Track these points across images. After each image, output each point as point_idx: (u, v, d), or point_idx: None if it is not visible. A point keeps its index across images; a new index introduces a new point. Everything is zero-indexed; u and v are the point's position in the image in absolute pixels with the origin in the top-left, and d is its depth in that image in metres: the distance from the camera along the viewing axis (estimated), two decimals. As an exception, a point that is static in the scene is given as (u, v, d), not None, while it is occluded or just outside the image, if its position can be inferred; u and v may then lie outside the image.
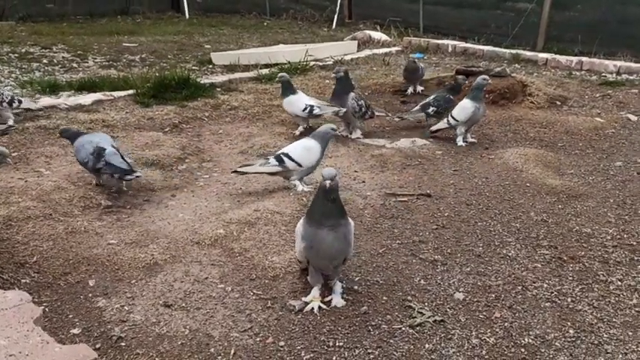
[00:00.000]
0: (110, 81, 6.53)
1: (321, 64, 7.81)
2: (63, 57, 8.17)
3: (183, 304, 2.72)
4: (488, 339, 2.49)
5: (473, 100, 4.74)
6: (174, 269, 3.00)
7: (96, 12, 11.93)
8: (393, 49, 8.78)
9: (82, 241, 3.23)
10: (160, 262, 3.06)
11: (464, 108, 4.79)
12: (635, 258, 3.09)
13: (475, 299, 2.77)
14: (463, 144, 4.88)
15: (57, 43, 9.03)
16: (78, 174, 4.10)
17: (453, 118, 4.87)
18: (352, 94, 5.05)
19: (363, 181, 4.18)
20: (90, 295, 2.79)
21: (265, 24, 11.97)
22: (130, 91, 6.08)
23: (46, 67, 7.52)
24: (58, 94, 6.09)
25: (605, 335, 2.49)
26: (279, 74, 5.37)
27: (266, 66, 7.56)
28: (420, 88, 6.34)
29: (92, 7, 12.01)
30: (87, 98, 5.80)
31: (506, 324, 2.58)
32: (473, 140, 4.95)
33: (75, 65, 7.72)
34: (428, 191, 4.00)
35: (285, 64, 7.53)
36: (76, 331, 2.53)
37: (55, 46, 8.85)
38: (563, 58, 7.78)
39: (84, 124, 5.17)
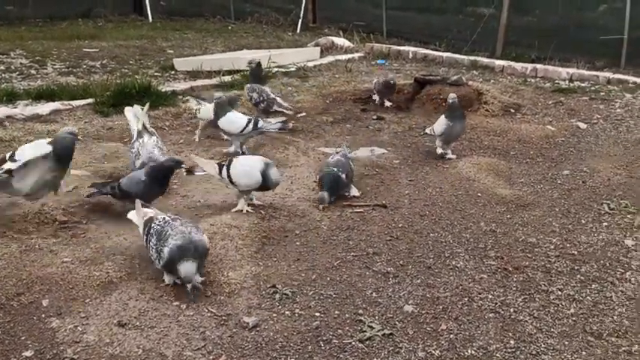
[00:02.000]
0: (69, 89, 6.46)
1: (284, 70, 7.86)
2: (21, 63, 8.05)
3: (138, 323, 2.75)
4: (433, 351, 2.59)
5: (447, 117, 4.82)
6: (129, 287, 3.03)
7: (56, 15, 11.72)
8: (356, 55, 8.88)
9: (36, 260, 3.23)
10: (115, 280, 3.08)
11: (439, 123, 4.89)
12: (576, 267, 3.24)
13: (424, 311, 2.87)
14: (442, 152, 4.94)
15: (15, 49, 8.87)
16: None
17: (432, 129, 4.98)
18: (249, 86, 5.58)
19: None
20: (43, 315, 2.80)
21: (230, 28, 11.96)
22: (90, 100, 6.04)
23: (2, 74, 7.40)
24: (15, 103, 6.01)
25: (543, 345, 2.63)
26: (216, 95, 5.31)
27: (229, 72, 7.56)
28: (388, 103, 6.32)
29: (53, 10, 11.79)
30: (45, 108, 5.75)
31: (451, 336, 2.69)
32: (452, 157, 4.92)
33: (33, 72, 7.61)
34: (384, 202, 4.10)
35: (248, 70, 7.55)
36: (28, 353, 2.54)
37: (13, 52, 8.69)
38: (518, 65, 7.99)
39: (41, 135, 5.12)
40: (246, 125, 4.74)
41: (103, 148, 4.93)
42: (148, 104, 4.67)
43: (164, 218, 3.08)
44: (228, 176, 3.84)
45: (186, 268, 2.88)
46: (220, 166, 3.90)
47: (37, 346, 2.57)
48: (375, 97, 6.40)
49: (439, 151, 4.96)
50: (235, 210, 3.83)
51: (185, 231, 2.99)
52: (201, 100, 5.35)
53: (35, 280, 3.04)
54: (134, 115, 4.40)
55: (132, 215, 3.33)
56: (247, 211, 3.81)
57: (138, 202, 3.32)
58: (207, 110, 5.06)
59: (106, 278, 3.10)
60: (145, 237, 3.09)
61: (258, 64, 5.86)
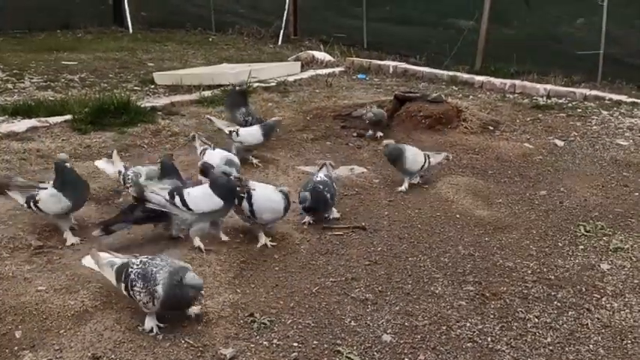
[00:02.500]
0: (47, 105, 6.39)
1: (265, 85, 7.86)
2: (-3, 77, 7.95)
3: (113, 356, 2.71)
4: (411, 383, 2.59)
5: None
6: (104, 317, 2.99)
7: (35, 26, 11.58)
8: (337, 70, 8.90)
9: (10, 288, 3.17)
10: (90, 310, 3.04)
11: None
12: (552, 293, 3.27)
13: (402, 341, 2.87)
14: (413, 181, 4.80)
15: (-9, 61, 8.76)
16: (9, 211, 4.02)
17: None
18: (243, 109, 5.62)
19: (301, 213, 4.24)
20: (16, 348, 2.75)
21: (210, 40, 11.93)
22: (67, 117, 5.97)
23: (-22, 89, 7.30)
24: (-9, 120, 5.93)
25: (519, 376, 2.64)
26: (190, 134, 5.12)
27: (209, 87, 7.54)
28: (380, 134, 5.96)
29: (31, 21, 11.65)
30: (21, 125, 5.68)
31: (429, 366, 2.70)
32: (417, 181, 4.82)
33: (10, 86, 7.51)
34: (363, 224, 4.10)
35: (229, 85, 7.54)
36: (-1, 389, 2.49)
37: (-10, 65, 8.58)
38: (497, 81, 8.07)
39: (17, 154, 5.06)
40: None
41: (80, 167, 4.86)
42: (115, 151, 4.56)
43: (142, 261, 2.97)
44: (251, 211, 3.71)
45: (192, 276, 2.85)
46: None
47: (9, 383, 2.52)
48: (370, 131, 5.97)
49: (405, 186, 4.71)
50: (259, 246, 3.72)
51: (169, 261, 2.95)
52: (206, 143, 4.88)
53: (8, 310, 2.99)
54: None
55: (88, 262, 3.12)
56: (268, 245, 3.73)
57: (93, 250, 3.17)
58: (212, 156, 4.56)
59: (81, 307, 3.05)
60: (123, 285, 2.92)
61: (245, 89, 5.89)
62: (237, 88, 5.85)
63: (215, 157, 4.50)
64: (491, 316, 3.06)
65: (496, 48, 10.01)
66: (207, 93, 7.22)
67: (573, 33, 9.58)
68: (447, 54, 9.93)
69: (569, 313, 3.10)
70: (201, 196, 3.62)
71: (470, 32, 10.07)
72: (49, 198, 3.69)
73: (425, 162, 4.71)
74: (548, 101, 7.35)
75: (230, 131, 5.21)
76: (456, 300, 3.20)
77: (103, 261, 3.06)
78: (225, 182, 3.62)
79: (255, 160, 5.20)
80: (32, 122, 5.77)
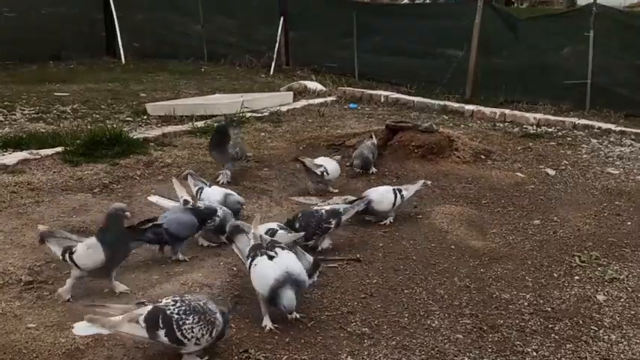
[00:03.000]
0: (38, 137, 6.37)
1: (257, 115, 7.89)
2: (-12, 109, 7.93)
3: (104, 395, 2.65)
4: (410, 421, 2.54)
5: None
6: (96, 355, 2.93)
7: (26, 57, 11.62)
8: (329, 99, 8.97)
9: (-1, 326, 3.11)
10: (81, 347, 2.97)
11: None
12: (550, 326, 3.25)
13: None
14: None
15: (-18, 93, 8.75)
16: (-1, 245, 3.97)
17: None
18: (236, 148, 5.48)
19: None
20: (5, 388, 2.68)
21: (203, 70, 12.01)
22: (59, 149, 5.94)
23: (-31, 121, 7.27)
24: (-19, 153, 5.89)
25: (520, 413, 2.60)
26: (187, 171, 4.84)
27: (202, 117, 7.55)
28: (373, 169, 5.90)
29: (22, 52, 11.69)
30: (12, 158, 5.63)
31: (427, 403, 2.65)
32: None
33: (1, 118, 7.48)
34: (358, 256, 4.08)
35: (221, 115, 7.57)
36: None
37: (-19, 96, 8.57)
38: (487, 110, 8.16)
39: (7, 187, 5.02)
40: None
41: (72, 200, 4.83)
42: None
43: (176, 299, 2.82)
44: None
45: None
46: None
47: None
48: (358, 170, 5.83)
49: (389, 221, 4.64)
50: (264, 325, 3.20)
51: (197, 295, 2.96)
52: (200, 181, 4.70)
53: (-2, 349, 2.93)
54: None
55: (85, 329, 2.82)
56: (272, 329, 3.18)
57: (90, 316, 2.81)
58: (208, 195, 4.43)
59: (72, 345, 2.99)
60: (164, 330, 2.73)
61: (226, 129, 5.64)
62: (218, 125, 5.84)
63: (214, 195, 4.44)
64: (489, 350, 3.03)
65: (486, 77, 10.14)
66: (199, 123, 7.23)
67: (561, 63, 9.75)
68: (437, 83, 10.05)
69: (567, 346, 3.07)
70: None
71: (460, 62, 10.22)
72: (86, 250, 3.36)
73: (395, 198, 4.59)
74: (538, 130, 7.42)
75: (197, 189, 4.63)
76: (453, 333, 3.17)
77: (114, 320, 2.77)
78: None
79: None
80: (23, 154, 5.72)
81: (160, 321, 2.75)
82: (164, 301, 2.86)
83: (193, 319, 2.76)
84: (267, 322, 3.18)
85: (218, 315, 2.80)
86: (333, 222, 4.12)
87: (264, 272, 3.17)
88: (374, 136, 6.18)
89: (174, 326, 2.74)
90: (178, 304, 2.80)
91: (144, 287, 3.57)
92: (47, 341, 3.00)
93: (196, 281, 3.59)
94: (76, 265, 3.39)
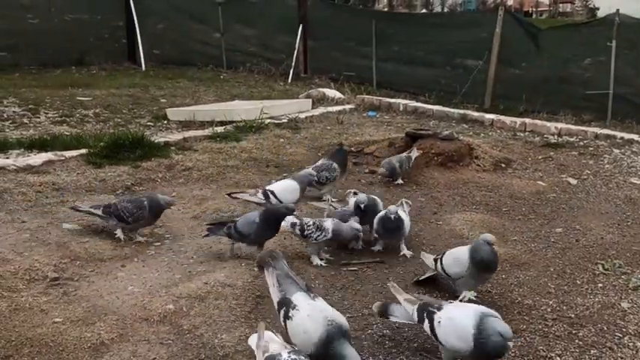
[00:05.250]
0: (62, 139, 6.48)
1: (276, 121, 7.94)
2: (14, 111, 8.07)
3: (130, 390, 2.68)
4: (433, 422, 2.53)
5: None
6: (121, 349, 2.96)
7: (50, 63, 11.84)
8: (347, 107, 9.01)
9: (26, 320, 3.15)
10: (106, 342, 3.01)
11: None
12: (574, 332, 3.22)
13: (421, 381, 2.82)
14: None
15: (7, 96, 8.91)
16: (25, 243, 4.03)
17: None
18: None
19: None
20: (32, 380, 2.72)
21: (222, 77, 12.13)
22: (83, 151, 6.03)
23: (-5, 123, 7.41)
24: (7, 153, 5.99)
25: (544, 416, 2.58)
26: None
27: (221, 123, 7.63)
28: (400, 181, 5.77)
29: (46, 58, 11.92)
30: (37, 159, 5.73)
31: (451, 405, 2.64)
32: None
33: (26, 121, 7.62)
34: (379, 258, 4.08)
35: (241, 121, 7.63)
36: (15, 423, 2.45)
37: (6, 99, 8.73)
38: (507, 119, 8.13)
39: (33, 187, 5.10)
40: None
41: (96, 201, 4.89)
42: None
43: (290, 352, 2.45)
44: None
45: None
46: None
47: (25, 416, 2.49)
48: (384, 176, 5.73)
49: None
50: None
51: None
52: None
53: (25, 342, 2.97)
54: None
55: (251, 342, 2.70)
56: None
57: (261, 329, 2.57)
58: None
59: (98, 339, 3.03)
60: None
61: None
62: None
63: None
64: (513, 355, 3.00)
65: (505, 88, 10.13)
66: (219, 129, 7.30)
67: (582, 73, 9.71)
68: (456, 92, 10.05)
69: (592, 352, 3.04)
70: None
71: (479, 72, 10.21)
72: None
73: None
74: (560, 139, 7.38)
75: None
76: (475, 337, 3.15)
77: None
78: None
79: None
80: (48, 156, 5.82)
81: None
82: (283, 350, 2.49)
83: None
84: None
85: None
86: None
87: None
88: (415, 150, 5.97)
89: None
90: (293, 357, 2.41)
91: (167, 286, 3.60)
92: (73, 335, 3.04)
93: (218, 281, 3.61)
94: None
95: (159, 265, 3.93)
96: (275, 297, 2.82)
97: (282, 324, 2.72)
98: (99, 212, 4.29)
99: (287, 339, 2.66)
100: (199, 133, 7.17)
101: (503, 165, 6.28)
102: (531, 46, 10.05)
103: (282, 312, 2.73)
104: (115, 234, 4.23)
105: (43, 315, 3.22)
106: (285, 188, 4.60)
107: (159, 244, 4.29)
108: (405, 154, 5.96)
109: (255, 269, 3.22)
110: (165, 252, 4.16)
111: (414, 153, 5.96)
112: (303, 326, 2.60)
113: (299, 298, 2.72)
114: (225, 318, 3.25)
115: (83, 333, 3.06)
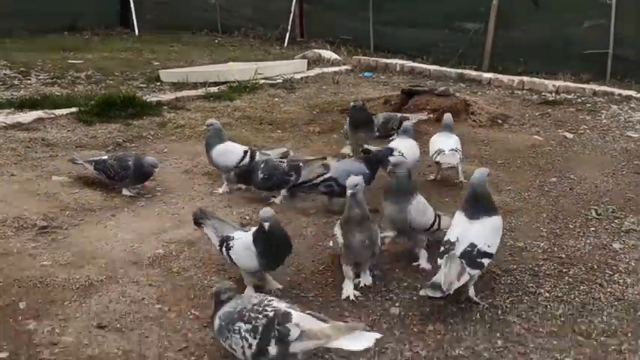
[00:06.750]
0: (53, 99, 6.41)
1: (271, 82, 7.84)
2: (4, 74, 7.97)
3: (118, 325, 2.68)
4: (420, 351, 2.54)
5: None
6: (110, 290, 2.96)
7: (42, 28, 11.65)
8: (343, 68, 8.90)
9: (14, 263, 3.15)
10: (95, 283, 3.01)
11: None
12: (564, 270, 3.21)
13: (410, 313, 2.82)
14: None
15: (-2, 60, 8.80)
16: (14, 194, 4.00)
17: None
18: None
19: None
20: (20, 318, 2.72)
21: (217, 41, 11.95)
22: (73, 109, 5.98)
23: (-15, 85, 7.33)
24: (-3, 112, 5.93)
25: (531, 345, 2.59)
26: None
27: (215, 84, 7.53)
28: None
29: (39, 23, 11.72)
30: (27, 116, 5.68)
31: (438, 336, 2.64)
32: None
33: (17, 82, 7.54)
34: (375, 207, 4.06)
35: (234, 82, 7.53)
36: (2, 355, 2.46)
37: (-3, 63, 8.62)
38: (505, 78, 8.04)
39: (22, 143, 5.06)
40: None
41: (86, 155, 4.83)
42: None
43: None
44: None
45: None
46: None
47: (13, 348, 2.49)
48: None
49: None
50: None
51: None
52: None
53: (12, 283, 2.97)
54: None
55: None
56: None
57: None
58: None
59: (86, 281, 3.02)
60: None
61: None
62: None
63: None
64: (502, 291, 3.00)
65: (503, 50, 9.95)
66: (213, 89, 7.22)
67: (581, 33, 9.54)
68: (454, 54, 9.91)
69: (581, 287, 3.04)
70: None
71: (477, 34, 10.05)
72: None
73: None
74: (558, 97, 7.30)
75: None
76: (465, 276, 3.14)
77: None
78: None
79: None
80: (38, 113, 5.78)
81: None
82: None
83: None
84: None
85: None
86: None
87: None
88: (419, 115, 5.88)
89: None
90: None
91: (157, 233, 3.59)
92: (61, 277, 3.04)
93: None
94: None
95: (149, 215, 3.92)
96: (215, 241, 3.03)
97: (227, 258, 2.96)
98: (91, 168, 4.24)
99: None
100: (192, 93, 7.09)
101: (499, 121, 6.21)
102: (531, 6, 9.88)
103: (223, 248, 2.97)
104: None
105: (32, 259, 3.22)
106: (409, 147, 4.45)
107: (150, 196, 4.27)
108: (399, 114, 5.87)
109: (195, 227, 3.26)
110: (156, 203, 4.14)
111: (417, 117, 5.81)
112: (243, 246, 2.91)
113: (237, 234, 2.99)
114: (215, 261, 3.24)
115: (72, 275, 3.06)
